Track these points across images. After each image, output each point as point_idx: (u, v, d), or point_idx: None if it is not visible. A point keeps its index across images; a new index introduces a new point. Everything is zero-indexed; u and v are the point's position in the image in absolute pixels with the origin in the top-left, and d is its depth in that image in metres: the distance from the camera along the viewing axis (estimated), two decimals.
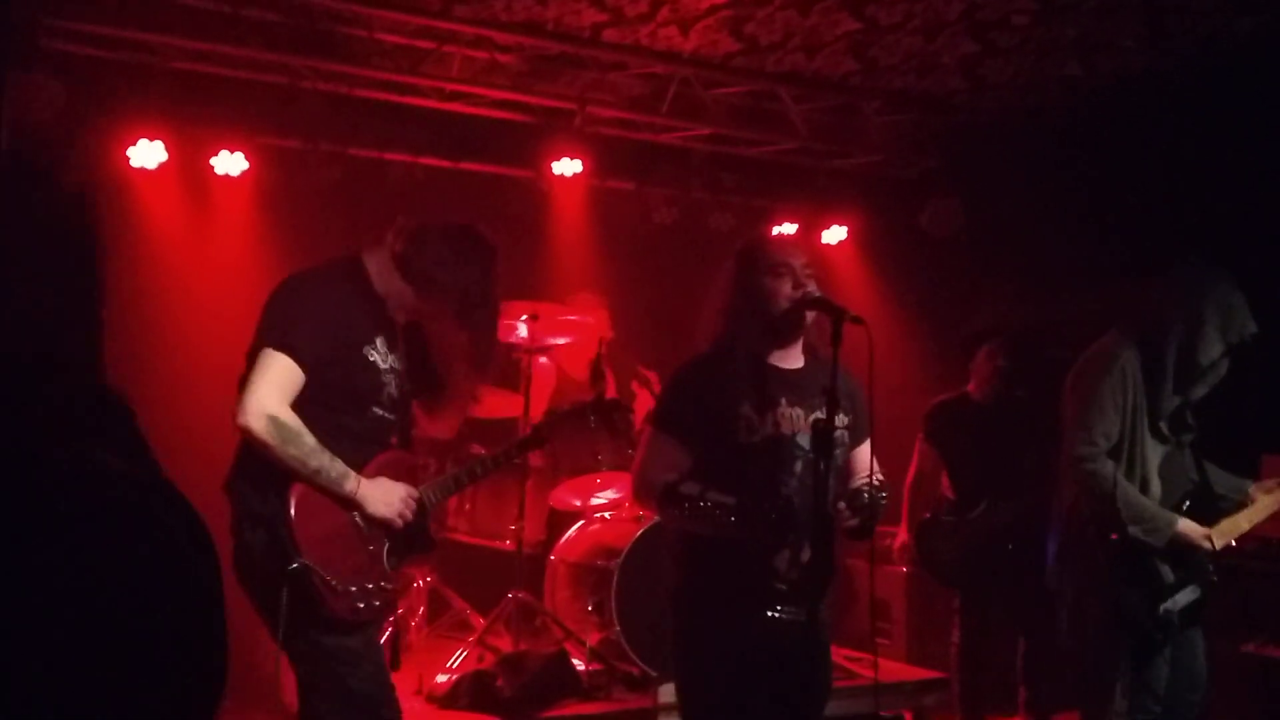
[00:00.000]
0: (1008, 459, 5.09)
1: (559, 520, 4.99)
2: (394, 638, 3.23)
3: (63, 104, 5.00)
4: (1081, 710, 3.81)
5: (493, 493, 5.02)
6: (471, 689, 4.03)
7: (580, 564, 4.59)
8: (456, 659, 4.37)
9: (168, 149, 5.39)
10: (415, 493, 3.00)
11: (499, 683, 4.00)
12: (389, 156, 5.92)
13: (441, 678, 4.17)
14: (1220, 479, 3.82)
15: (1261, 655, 4.90)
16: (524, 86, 5.87)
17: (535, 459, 4.90)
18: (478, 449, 5.17)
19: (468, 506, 5.07)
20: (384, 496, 2.91)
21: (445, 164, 6.09)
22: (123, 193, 5.40)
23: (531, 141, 6.07)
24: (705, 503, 2.68)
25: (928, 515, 5.25)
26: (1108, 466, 3.55)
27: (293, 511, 2.77)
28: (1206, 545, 3.58)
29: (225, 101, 5.53)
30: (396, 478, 2.99)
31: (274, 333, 2.83)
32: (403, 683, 4.28)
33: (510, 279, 5.65)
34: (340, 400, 2.90)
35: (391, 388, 3.00)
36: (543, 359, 5.45)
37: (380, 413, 2.98)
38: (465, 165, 6.16)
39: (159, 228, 5.38)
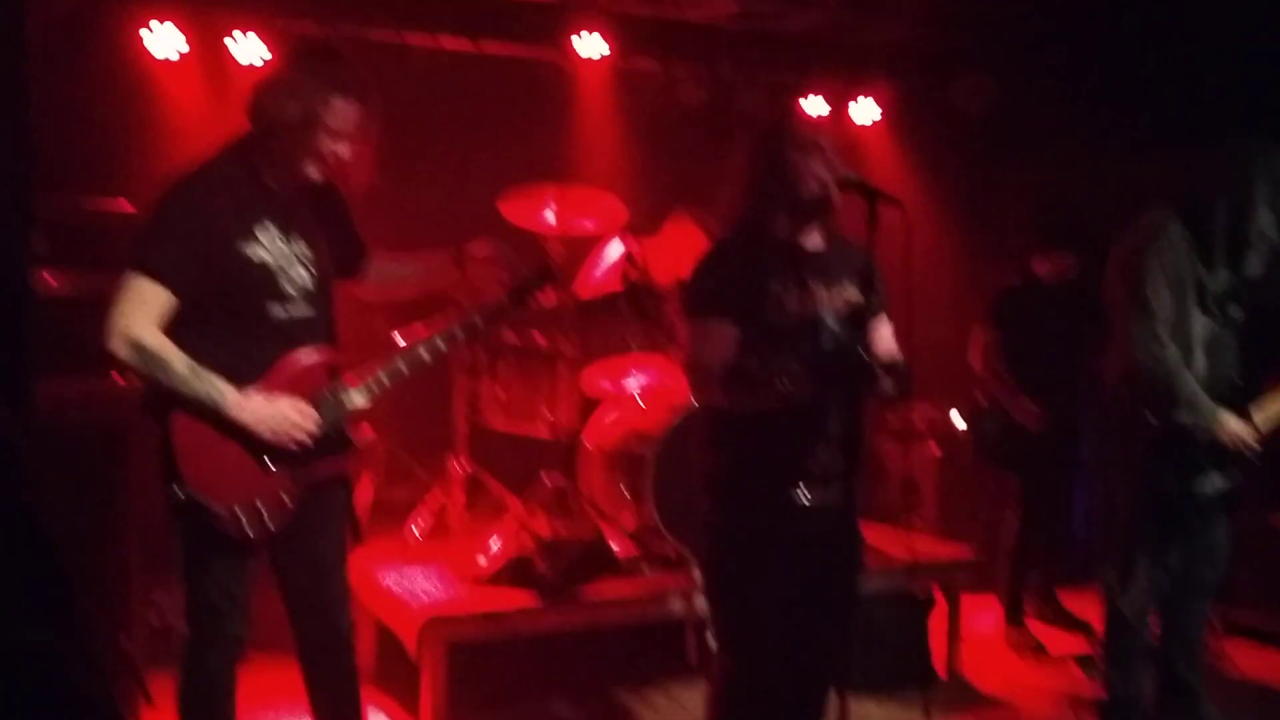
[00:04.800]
0: (1070, 346, 5.04)
1: (592, 407, 5.02)
2: (355, 520, 3.06)
3: None
4: (1104, 582, 3.86)
5: (524, 380, 5.04)
6: (512, 571, 4.12)
7: (615, 451, 4.63)
8: (495, 542, 4.46)
9: (186, 36, 5.32)
10: (304, 406, 2.78)
11: (538, 566, 4.09)
12: (409, 39, 5.81)
13: (482, 560, 4.26)
14: None
15: None
16: None
17: (566, 346, 4.90)
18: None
19: (500, 393, 5.10)
20: (267, 419, 2.72)
21: (467, 47, 5.97)
22: (143, 82, 5.35)
23: (554, 21, 5.94)
24: (775, 372, 2.60)
25: (983, 401, 5.24)
26: (1172, 351, 3.52)
27: (174, 436, 2.68)
28: (1248, 446, 3.57)
29: None
30: (306, 383, 2.82)
31: (135, 253, 2.68)
32: (444, 566, 4.42)
33: (535, 164, 5.69)
34: (231, 306, 2.74)
35: (295, 278, 2.81)
36: (616, 242, 5.38)
37: (282, 310, 2.79)
38: (487, 47, 6.04)
39: (181, 117, 5.34)
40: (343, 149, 2.82)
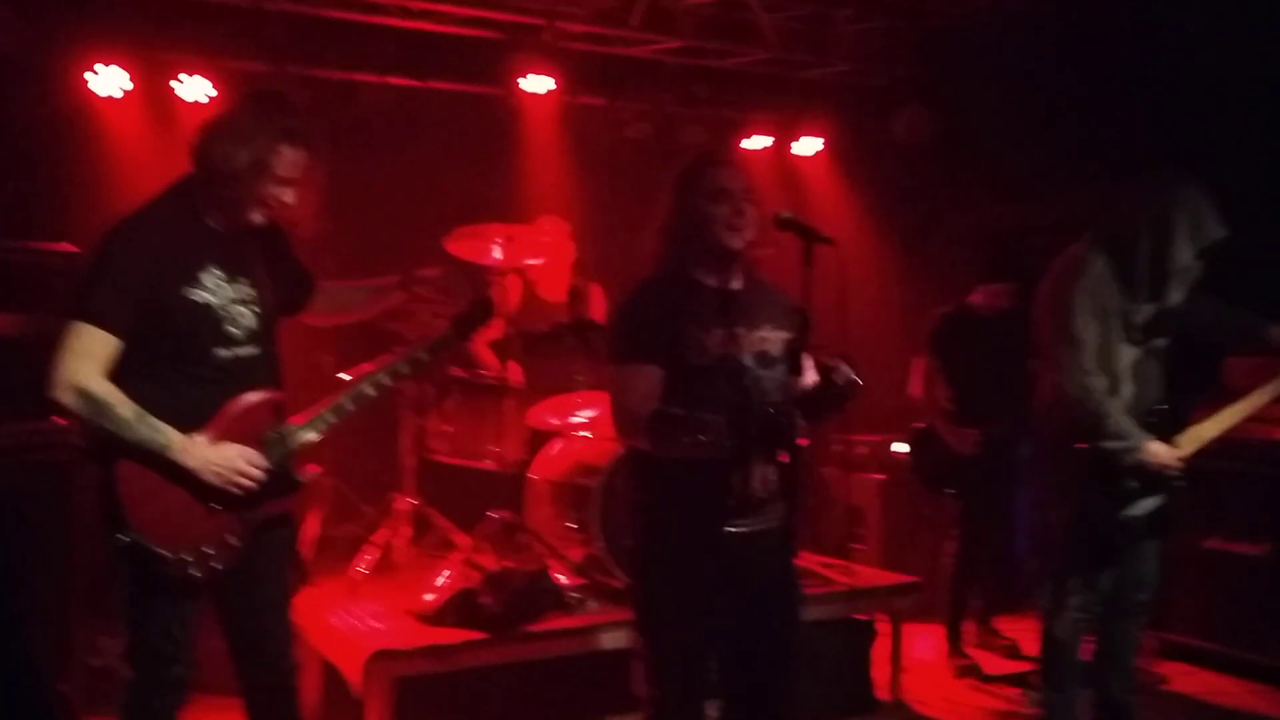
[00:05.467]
0: (1009, 372, 5.10)
1: (538, 440, 5.05)
2: (299, 559, 3.11)
3: (21, 33, 4.93)
4: (1040, 607, 3.95)
5: (471, 414, 5.06)
6: (458, 607, 4.13)
7: (561, 482, 4.67)
8: (442, 578, 4.47)
9: (131, 76, 5.32)
10: (251, 453, 2.79)
11: (483, 600, 4.11)
12: (357, 78, 5.85)
13: (428, 596, 4.27)
14: (1232, 317, 3.85)
15: (1224, 550, 5.08)
16: (491, 1, 5.78)
17: (513, 378, 4.94)
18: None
19: (447, 428, 5.12)
20: (214, 464, 2.73)
21: (414, 83, 6.02)
22: (87, 122, 5.34)
23: (500, 58, 6.01)
24: (699, 424, 2.63)
25: (922, 425, 5.29)
26: (1100, 380, 3.62)
27: (119, 481, 2.69)
28: (1173, 469, 3.67)
29: (189, 25, 5.44)
30: (252, 425, 2.83)
31: (79, 300, 2.67)
32: (391, 602, 4.42)
33: (483, 199, 5.74)
34: (176, 350, 2.75)
35: (240, 319, 2.83)
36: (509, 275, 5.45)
37: (227, 352, 2.81)
38: (434, 84, 6.10)
39: (125, 157, 5.33)
40: (289, 195, 2.86)
